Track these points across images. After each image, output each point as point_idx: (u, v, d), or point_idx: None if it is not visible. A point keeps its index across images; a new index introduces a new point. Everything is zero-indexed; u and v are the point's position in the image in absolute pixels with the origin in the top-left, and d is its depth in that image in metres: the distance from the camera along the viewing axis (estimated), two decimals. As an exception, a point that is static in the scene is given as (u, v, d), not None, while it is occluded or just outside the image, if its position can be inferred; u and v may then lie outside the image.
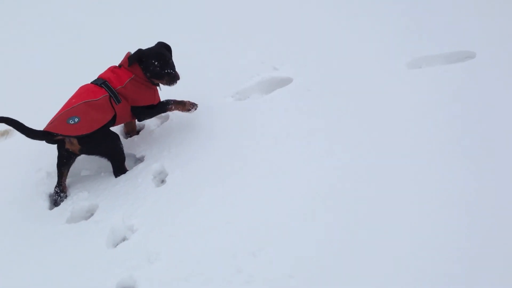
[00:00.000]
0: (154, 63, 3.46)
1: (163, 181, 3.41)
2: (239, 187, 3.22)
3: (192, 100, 3.77)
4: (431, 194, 2.92)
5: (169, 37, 4.64)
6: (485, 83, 3.78)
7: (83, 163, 3.68)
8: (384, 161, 3.20)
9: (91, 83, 3.46)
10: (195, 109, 3.75)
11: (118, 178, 3.46)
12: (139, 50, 3.49)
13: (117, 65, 3.55)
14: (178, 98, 3.75)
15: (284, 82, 4.16)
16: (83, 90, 3.42)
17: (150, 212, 3.14)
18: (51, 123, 3.28)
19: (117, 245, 2.99)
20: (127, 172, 3.51)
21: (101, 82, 3.42)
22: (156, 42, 3.63)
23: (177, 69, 3.60)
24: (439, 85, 3.86)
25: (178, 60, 3.68)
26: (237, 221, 2.95)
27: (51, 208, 3.35)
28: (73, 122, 3.24)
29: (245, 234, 2.86)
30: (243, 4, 5.38)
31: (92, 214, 3.25)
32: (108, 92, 3.38)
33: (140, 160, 3.65)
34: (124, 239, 3.04)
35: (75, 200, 3.33)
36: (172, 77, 3.51)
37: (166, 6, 5.75)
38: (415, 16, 4.60)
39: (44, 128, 3.27)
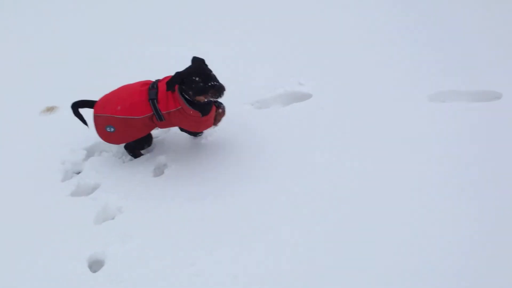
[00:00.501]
0: (195, 79, 3.26)
1: (163, 173, 3.70)
2: (229, 187, 3.48)
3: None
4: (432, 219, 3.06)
5: (202, 42, 4.92)
6: (507, 126, 3.72)
7: (106, 145, 4.06)
8: (384, 190, 3.32)
9: (148, 89, 3.45)
10: None
11: (124, 164, 3.81)
12: (178, 73, 3.34)
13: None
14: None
15: (304, 97, 4.31)
16: (133, 100, 3.44)
17: (140, 198, 3.46)
18: (99, 114, 3.55)
19: (103, 222, 3.32)
20: (135, 159, 3.84)
21: (152, 97, 3.41)
22: (191, 59, 3.44)
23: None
24: (458, 121, 3.83)
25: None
26: (211, 218, 3.23)
27: (63, 181, 3.74)
28: (109, 130, 3.55)
29: (211, 232, 3.13)
30: (287, 16, 5.54)
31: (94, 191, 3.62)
32: (153, 111, 3.44)
33: (150, 150, 3.96)
34: (112, 218, 3.37)
35: (83, 177, 3.72)
36: (217, 89, 3.28)
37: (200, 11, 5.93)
38: (447, 49, 4.55)
39: (94, 113, 3.60)
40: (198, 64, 3.37)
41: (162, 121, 3.50)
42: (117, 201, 3.45)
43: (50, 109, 4.64)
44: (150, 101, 3.42)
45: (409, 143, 3.68)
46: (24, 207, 3.47)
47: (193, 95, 3.34)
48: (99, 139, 4.03)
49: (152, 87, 3.47)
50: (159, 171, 3.74)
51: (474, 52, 4.46)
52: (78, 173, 3.83)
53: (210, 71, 3.36)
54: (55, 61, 5.30)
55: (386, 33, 4.92)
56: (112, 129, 3.52)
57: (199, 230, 3.14)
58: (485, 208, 3.09)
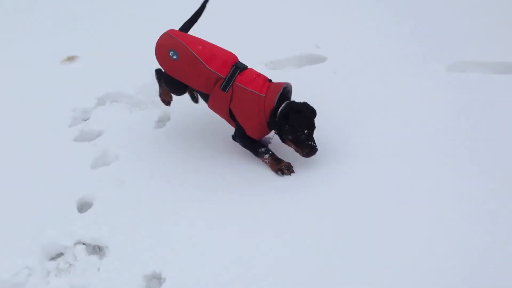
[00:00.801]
0: (302, 130, 3.02)
1: (164, 125, 3.72)
2: (226, 143, 3.44)
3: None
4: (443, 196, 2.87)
5: None
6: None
7: (117, 96, 4.11)
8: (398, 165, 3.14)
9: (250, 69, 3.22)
10: (287, 175, 3.14)
11: (131, 115, 3.88)
12: (291, 110, 3.02)
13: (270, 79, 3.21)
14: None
15: (319, 60, 4.22)
16: (217, 53, 3.17)
17: (138, 147, 3.50)
18: (173, 35, 3.23)
19: (99, 167, 3.37)
20: (143, 111, 3.87)
21: (239, 66, 3.14)
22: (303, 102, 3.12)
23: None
24: (472, 92, 3.69)
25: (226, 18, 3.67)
26: (203, 171, 3.24)
27: (70, 126, 3.81)
28: (171, 55, 3.16)
29: (200, 184, 3.14)
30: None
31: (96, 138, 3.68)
32: (226, 77, 3.10)
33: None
34: (108, 164, 3.41)
35: (88, 124, 3.78)
36: (312, 151, 3.07)
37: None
38: (472, 18, 4.33)
39: (168, 31, 3.28)
40: (312, 116, 3.10)
41: (224, 92, 3.09)
42: (116, 149, 3.49)
43: (71, 59, 4.74)
44: (234, 66, 3.13)
45: (421, 113, 3.54)
46: (28, 147, 3.56)
47: (287, 137, 3.10)
48: (111, 90, 4.12)
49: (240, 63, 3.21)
50: (161, 124, 3.75)
51: (497, 23, 4.23)
52: (86, 120, 3.89)
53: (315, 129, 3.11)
54: (80, 15, 5.44)
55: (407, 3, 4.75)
56: (175, 56, 3.14)
57: (188, 182, 3.14)
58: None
